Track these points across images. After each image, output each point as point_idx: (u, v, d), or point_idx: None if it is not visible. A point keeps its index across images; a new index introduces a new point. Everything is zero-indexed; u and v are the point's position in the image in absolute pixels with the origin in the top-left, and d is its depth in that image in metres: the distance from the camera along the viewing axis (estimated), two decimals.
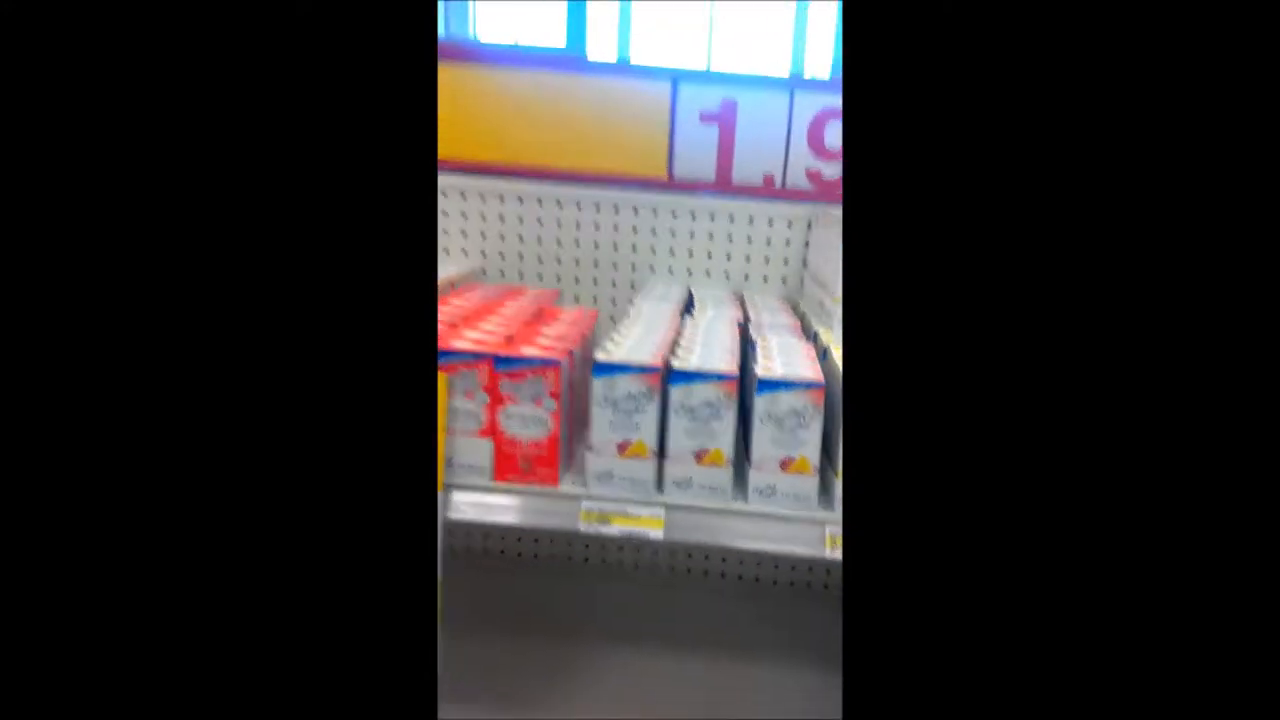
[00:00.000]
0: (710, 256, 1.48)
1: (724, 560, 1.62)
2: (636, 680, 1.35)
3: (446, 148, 1.51)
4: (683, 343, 1.03)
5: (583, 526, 0.94)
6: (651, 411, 0.93)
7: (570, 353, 0.99)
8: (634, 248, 1.49)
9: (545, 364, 0.94)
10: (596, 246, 1.50)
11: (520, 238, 1.51)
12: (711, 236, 1.47)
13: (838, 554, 0.89)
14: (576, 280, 1.52)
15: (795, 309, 1.34)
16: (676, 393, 0.92)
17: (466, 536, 1.64)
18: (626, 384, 0.93)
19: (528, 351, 0.96)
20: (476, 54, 1.48)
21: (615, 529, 0.93)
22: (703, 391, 0.92)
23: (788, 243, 1.46)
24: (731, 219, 1.46)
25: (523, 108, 1.50)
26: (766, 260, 1.47)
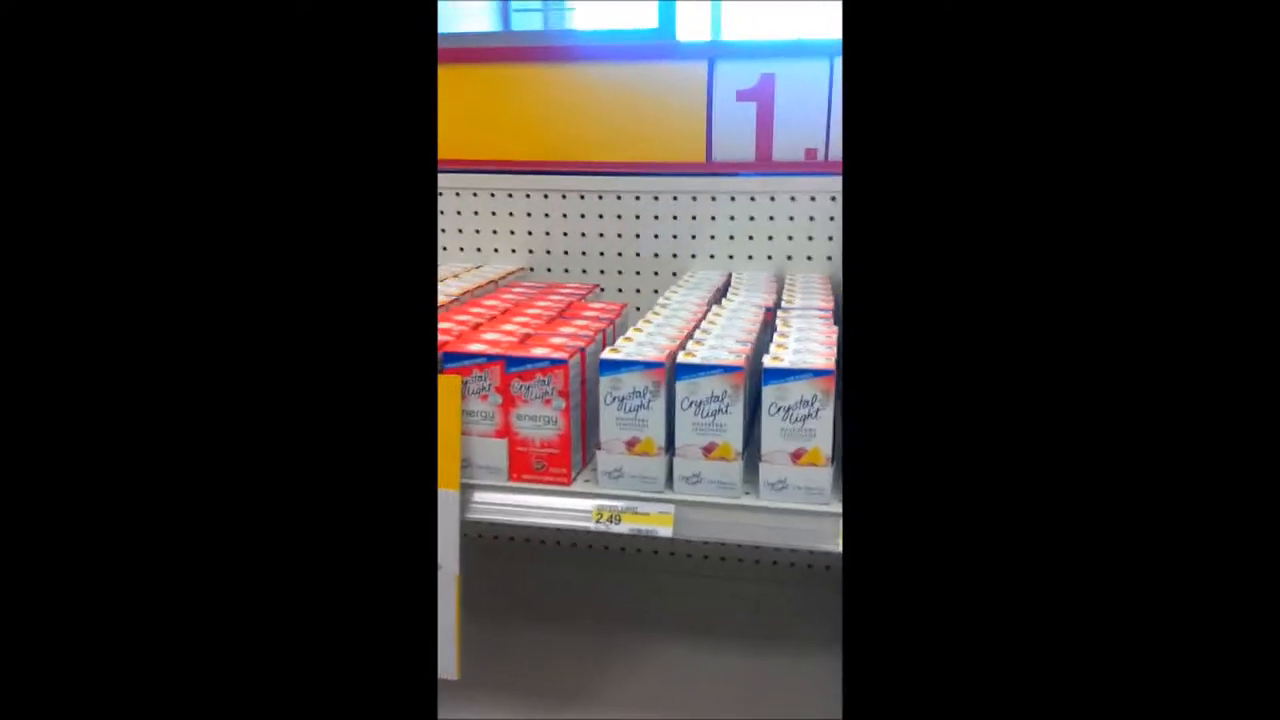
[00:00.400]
0: (752, 239, 1.44)
1: (742, 545, 1.59)
2: (662, 666, 1.35)
3: (487, 149, 1.53)
4: (698, 334, 1.00)
5: (594, 525, 0.94)
6: (658, 408, 0.92)
7: (581, 351, 0.98)
8: (675, 236, 1.47)
9: (553, 364, 0.94)
10: (638, 237, 1.49)
11: (565, 233, 1.52)
12: (753, 218, 1.43)
13: None
14: (620, 272, 1.51)
15: (837, 288, 1.28)
16: (682, 388, 0.90)
17: (492, 525, 1.67)
18: (632, 381, 0.91)
19: (537, 352, 0.96)
20: (505, 53, 1.50)
21: (625, 527, 0.92)
22: (709, 385, 0.89)
23: (832, 218, 1.39)
24: (773, 198, 1.41)
25: (561, 102, 1.50)
26: (810, 238, 1.41)
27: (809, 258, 1.43)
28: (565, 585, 1.59)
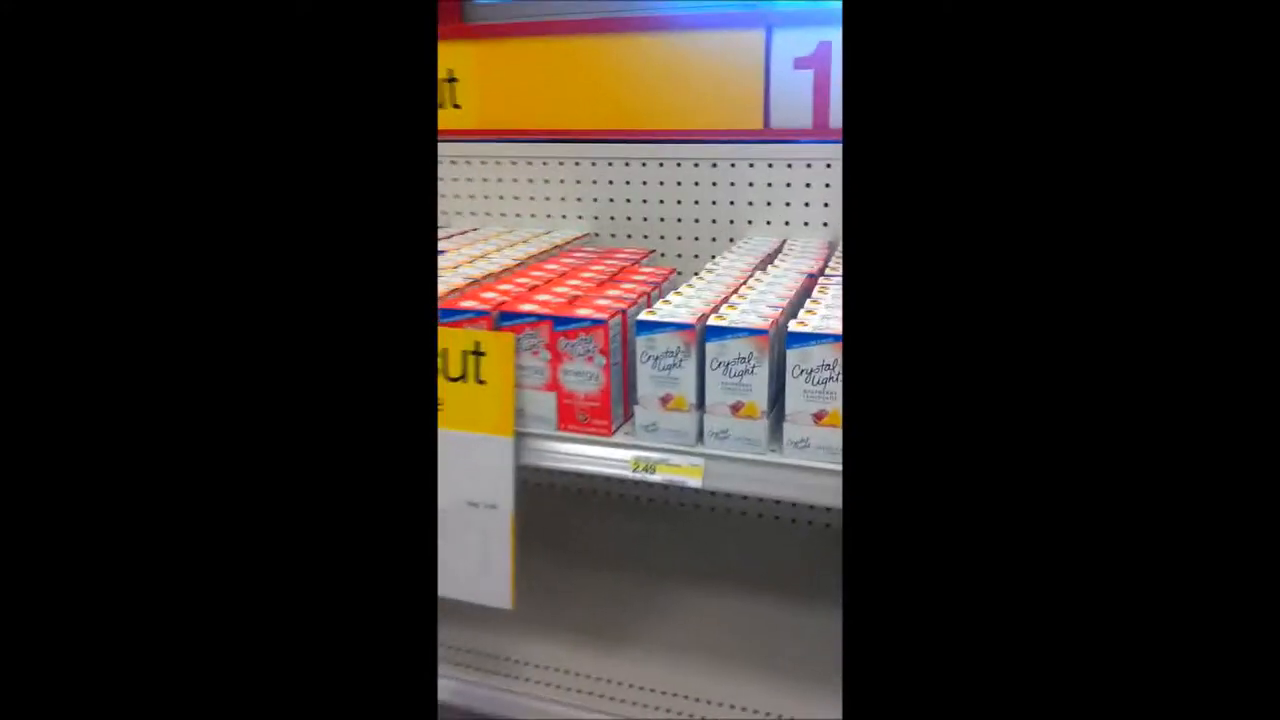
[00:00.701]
0: (808, 205, 1.46)
1: (764, 500, 1.64)
2: (692, 611, 1.42)
3: (554, 119, 1.61)
4: (735, 298, 1.06)
5: (632, 474, 1.01)
6: (689, 367, 0.98)
7: (622, 313, 1.05)
8: (732, 202, 1.51)
9: (594, 324, 1.02)
10: (697, 203, 1.54)
11: (628, 200, 1.58)
12: (809, 185, 1.45)
13: None
14: (679, 238, 1.56)
15: None
16: (711, 349, 0.96)
17: (539, 471, 1.78)
18: (665, 341, 0.98)
19: (581, 312, 1.04)
20: (567, 26, 1.56)
21: (659, 477, 1.00)
22: (735, 347, 0.95)
23: None
24: (829, 165, 1.43)
25: (623, 72, 1.55)
26: None
27: None
28: (608, 531, 1.69)
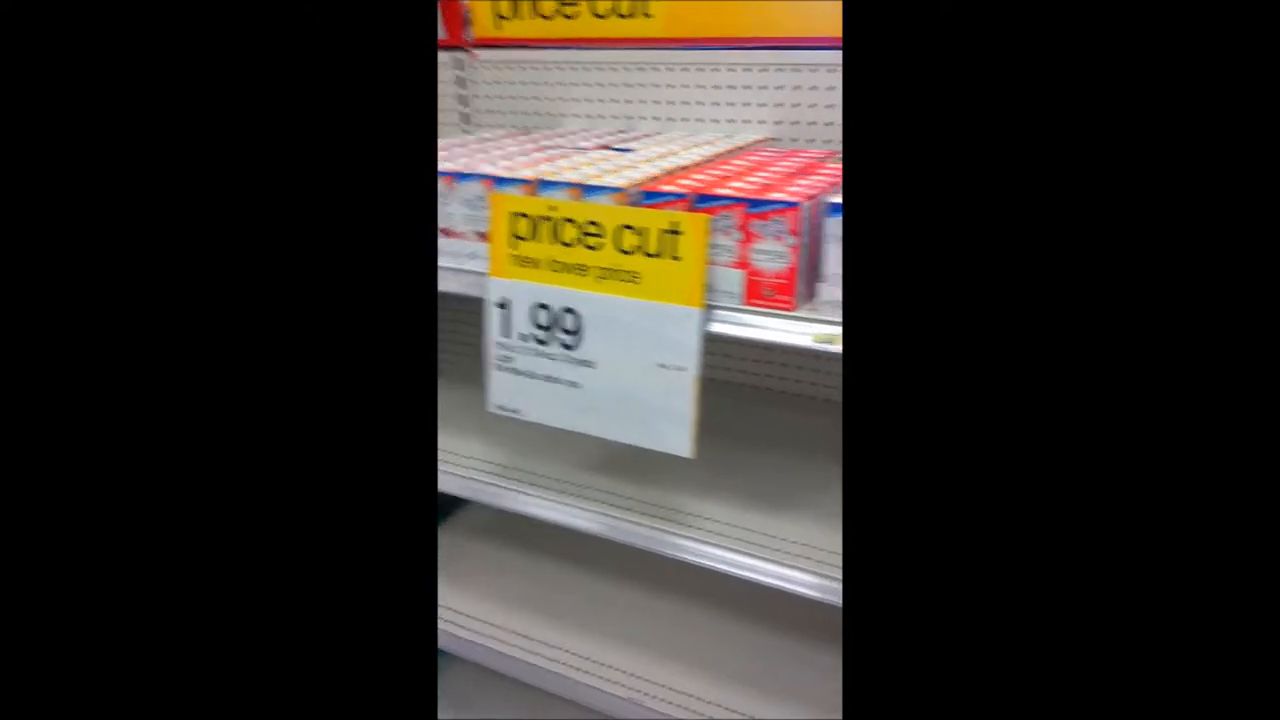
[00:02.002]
0: None
1: None
2: None
3: (734, 27, 1.66)
4: None
5: (815, 346, 1.11)
6: None
7: (813, 198, 1.13)
8: None
9: (787, 206, 1.10)
10: None
11: (812, 105, 1.63)
12: None
13: None
14: None
15: None
16: None
17: (726, 339, 1.88)
18: None
19: (774, 196, 1.13)
20: None
21: (837, 348, 1.08)
22: None
23: None
24: None
25: None
26: None
27: None
28: (783, 422, 1.78)
